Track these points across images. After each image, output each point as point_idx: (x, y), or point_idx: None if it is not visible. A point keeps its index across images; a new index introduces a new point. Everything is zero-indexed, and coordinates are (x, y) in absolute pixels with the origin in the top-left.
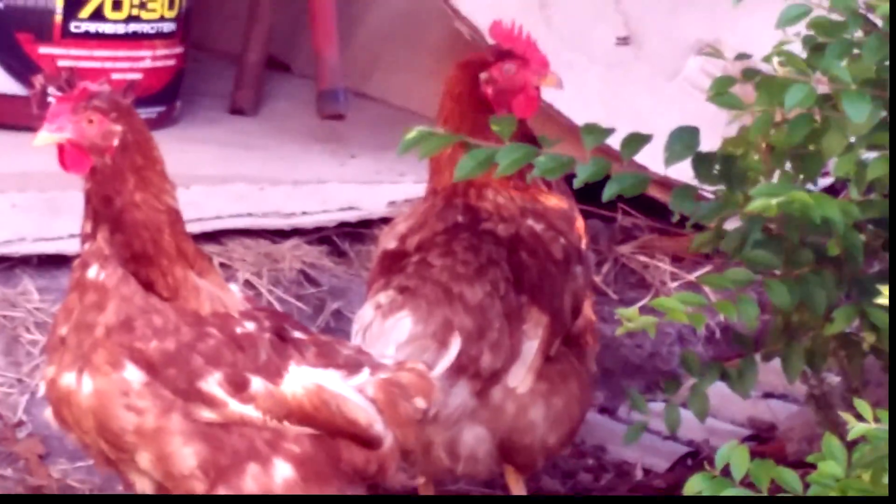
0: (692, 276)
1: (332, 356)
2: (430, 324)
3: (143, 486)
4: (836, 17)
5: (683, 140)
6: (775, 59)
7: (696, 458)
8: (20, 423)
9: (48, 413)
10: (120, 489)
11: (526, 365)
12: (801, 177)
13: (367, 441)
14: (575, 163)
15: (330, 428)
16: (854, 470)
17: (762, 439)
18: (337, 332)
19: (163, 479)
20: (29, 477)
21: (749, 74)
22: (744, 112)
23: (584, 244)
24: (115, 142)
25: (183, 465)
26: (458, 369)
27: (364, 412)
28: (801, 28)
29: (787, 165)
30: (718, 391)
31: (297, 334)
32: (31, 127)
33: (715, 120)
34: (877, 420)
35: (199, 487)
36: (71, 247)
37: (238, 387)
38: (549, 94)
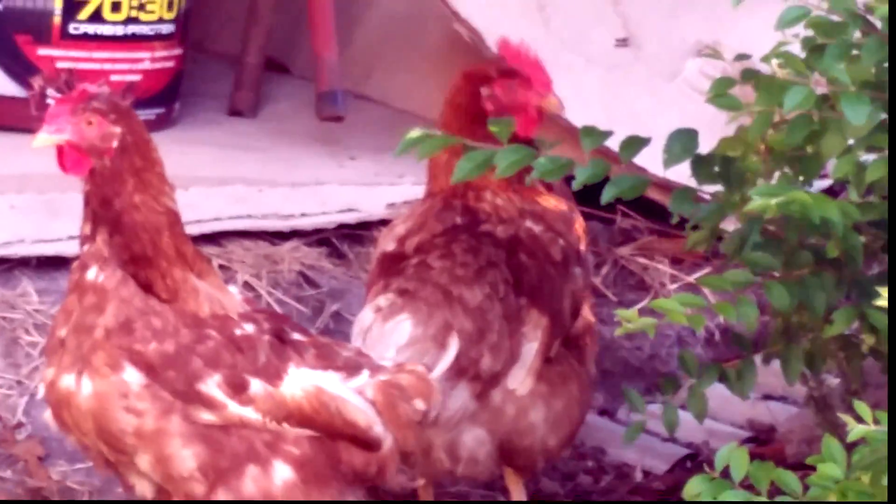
0: (691, 278)
1: (332, 358)
2: (430, 326)
3: (143, 488)
4: (835, 18)
5: (682, 142)
6: (774, 61)
7: (696, 460)
8: (19, 425)
9: (47, 415)
10: (119, 491)
11: (525, 367)
12: (800, 178)
13: (367, 443)
14: (574, 165)
15: (329, 430)
16: (853, 472)
17: (761, 441)
18: (336, 334)
19: (162, 481)
20: (28, 479)
21: (748, 75)
22: (742, 112)
23: (583, 245)
24: (115, 143)
25: (182, 466)
26: (458, 371)
27: (363, 414)
28: (801, 30)
29: (786, 168)
30: (718, 393)
31: (297, 336)
32: (30, 128)
33: (714, 122)
34: (876, 422)
35: (199, 489)
36: (70, 248)
37: (237, 389)
38: None
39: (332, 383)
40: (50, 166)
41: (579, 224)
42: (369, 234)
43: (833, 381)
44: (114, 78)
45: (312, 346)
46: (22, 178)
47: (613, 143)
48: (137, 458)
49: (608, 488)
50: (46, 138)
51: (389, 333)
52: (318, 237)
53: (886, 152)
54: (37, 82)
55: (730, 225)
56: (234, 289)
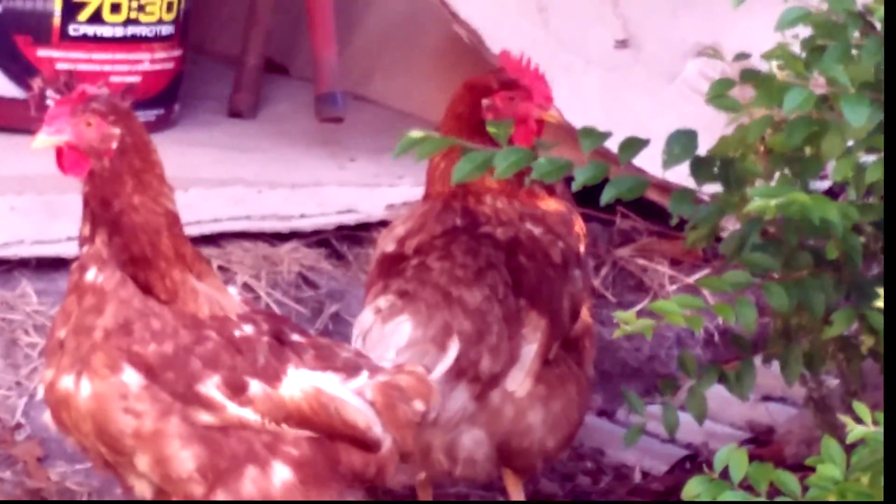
0: (691, 279)
1: (331, 359)
2: (430, 328)
3: (142, 489)
4: (835, 19)
5: (682, 143)
6: (773, 62)
7: (695, 461)
8: (19, 426)
9: (47, 416)
10: (118, 492)
11: (524, 368)
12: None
13: (366, 444)
14: (573, 166)
15: (328, 431)
16: (852, 473)
17: (761, 442)
18: (335, 335)
19: (161, 482)
20: (27, 479)
21: (747, 76)
22: (742, 114)
23: (583, 247)
24: (114, 145)
25: (181, 468)
26: (458, 373)
27: (363, 415)
28: (801, 31)
29: (786, 169)
30: (717, 394)
31: (296, 337)
32: (29, 130)
33: (713, 123)
34: (875, 423)
35: (198, 490)
36: (69, 250)
37: (236, 390)
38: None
39: (331, 384)
40: (49, 167)
41: (579, 226)
42: (368, 235)
43: (832, 382)
44: (113, 79)
45: (311, 347)
46: (21, 180)
47: (612, 145)
48: (136, 459)
49: (607, 489)
50: (46, 139)
51: (389, 335)
52: (317, 238)
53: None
54: (36, 83)
55: (730, 224)
56: (233, 290)
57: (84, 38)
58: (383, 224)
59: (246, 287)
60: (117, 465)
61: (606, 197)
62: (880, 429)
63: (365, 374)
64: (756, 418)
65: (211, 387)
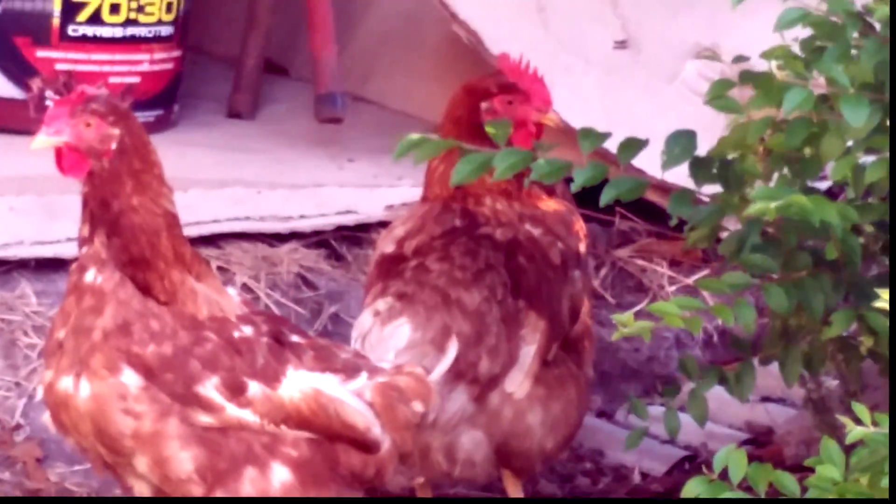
0: (690, 280)
1: (330, 360)
2: (429, 330)
3: (141, 490)
4: (834, 20)
5: (681, 144)
6: (773, 62)
7: (694, 461)
8: (18, 427)
9: (46, 417)
10: (117, 493)
11: (524, 370)
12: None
13: (365, 445)
14: (572, 167)
15: (327, 432)
16: (852, 473)
17: (760, 443)
18: (335, 336)
19: (160, 483)
20: (27, 480)
21: (746, 77)
22: (741, 115)
23: (584, 248)
24: (113, 145)
25: (180, 469)
26: (457, 374)
27: (362, 416)
28: (800, 32)
29: (785, 169)
30: (716, 395)
31: (295, 338)
32: (28, 130)
33: (713, 124)
34: (875, 424)
35: (197, 491)
36: (69, 250)
37: (235, 391)
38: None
39: (330, 385)
40: (48, 168)
41: (579, 227)
42: (368, 236)
43: (832, 383)
44: (113, 80)
45: (311, 348)
46: (21, 180)
47: (612, 145)
48: (135, 460)
49: (606, 490)
50: (45, 140)
51: (388, 337)
52: (316, 239)
53: (885, 154)
54: (35, 84)
55: (729, 224)
56: (232, 291)
57: (83, 39)
58: (383, 225)
59: (245, 288)
60: (116, 466)
61: (606, 198)
62: (879, 429)
63: (364, 375)
64: (755, 419)
65: (210, 388)
